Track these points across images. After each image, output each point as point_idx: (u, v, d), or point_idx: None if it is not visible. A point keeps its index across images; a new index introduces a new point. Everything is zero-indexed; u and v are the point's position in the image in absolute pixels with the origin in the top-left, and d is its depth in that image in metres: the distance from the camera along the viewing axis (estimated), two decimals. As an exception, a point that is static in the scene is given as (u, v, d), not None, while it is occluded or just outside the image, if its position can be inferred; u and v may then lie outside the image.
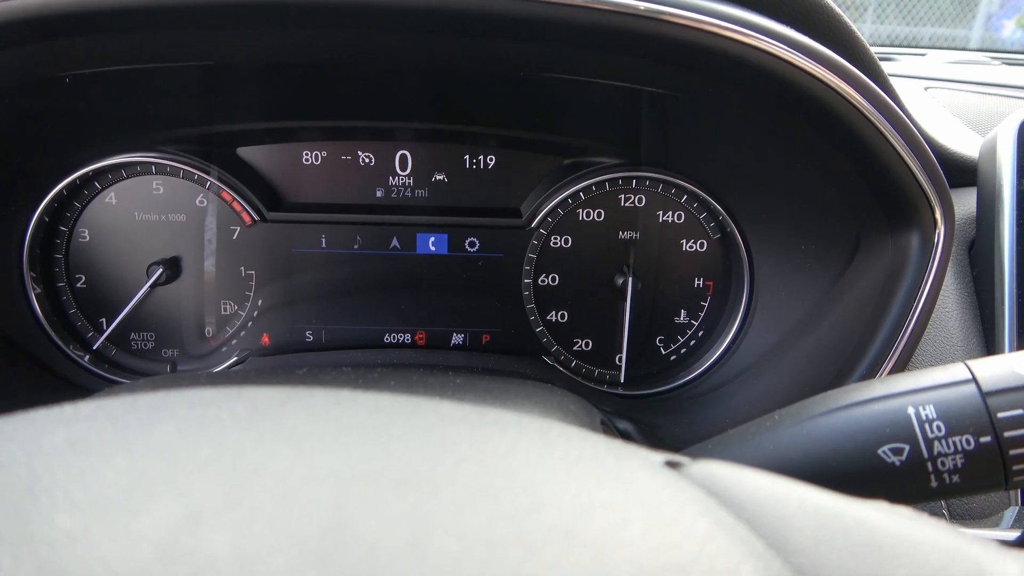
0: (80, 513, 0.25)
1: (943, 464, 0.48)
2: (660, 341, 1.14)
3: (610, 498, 0.29)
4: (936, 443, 0.48)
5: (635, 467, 0.33)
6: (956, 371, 0.50)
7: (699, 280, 1.11)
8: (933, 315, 0.82)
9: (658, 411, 1.08)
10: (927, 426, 0.48)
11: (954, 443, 0.48)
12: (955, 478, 0.48)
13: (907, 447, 0.48)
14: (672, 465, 0.36)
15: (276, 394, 0.36)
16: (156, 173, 1.05)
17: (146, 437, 0.31)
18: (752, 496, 0.33)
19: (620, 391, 1.13)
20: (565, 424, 0.37)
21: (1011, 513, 0.82)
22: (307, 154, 1.07)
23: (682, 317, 1.13)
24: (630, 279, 1.07)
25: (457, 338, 1.13)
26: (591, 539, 0.26)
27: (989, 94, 1.40)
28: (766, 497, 0.33)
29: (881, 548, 0.30)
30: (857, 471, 0.49)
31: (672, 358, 1.14)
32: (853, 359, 0.84)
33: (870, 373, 0.82)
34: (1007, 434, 0.47)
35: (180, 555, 0.23)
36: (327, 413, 0.34)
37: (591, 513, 0.28)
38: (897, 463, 0.48)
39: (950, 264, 0.90)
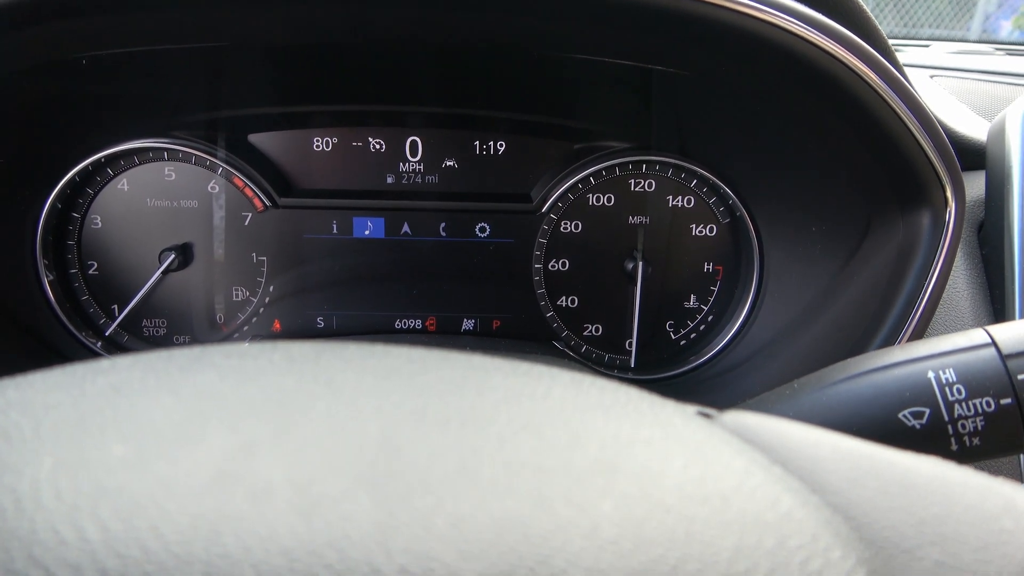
0: (133, 444, 0.26)
1: (963, 427, 0.48)
2: (670, 326, 1.14)
3: (649, 436, 0.30)
4: (956, 406, 0.48)
5: (669, 413, 0.34)
6: (975, 335, 0.50)
7: (709, 264, 1.12)
8: (944, 295, 0.83)
9: (669, 395, 1.08)
10: (947, 389, 0.49)
11: (974, 405, 0.48)
12: (975, 440, 0.48)
13: (927, 410, 0.49)
14: (703, 415, 0.37)
15: (310, 347, 0.36)
16: (168, 159, 1.05)
17: (190, 382, 0.31)
18: (784, 442, 0.34)
19: (631, 376, 1.13)
20: (595, 376, 0.37)
21: (1023, 489, 0.83)
22: (318, 140, 1.08)
23: (692, 301, 1.13)
24: (640, 264, 1.08)
25: (467, 324, 1.14)
26: (636, 470, 0.27)
27: (993, 82, 1.41)
28: (798, 442, 0.33)
29: (914, 486, 0.31)
30: (878, 435, 0.49)
31: (682, 342, 1.15)
32: (864, 339, 0.84)
33: (882, 352, 0.82)
34: (1027, 395, 0.47)
35: (237, 477, 0.24)
36: (363, 362, 0.35)
37: (632, 449, 0.28)
38: (917, 426, 0.49)
39: (960, 245, 0.91)
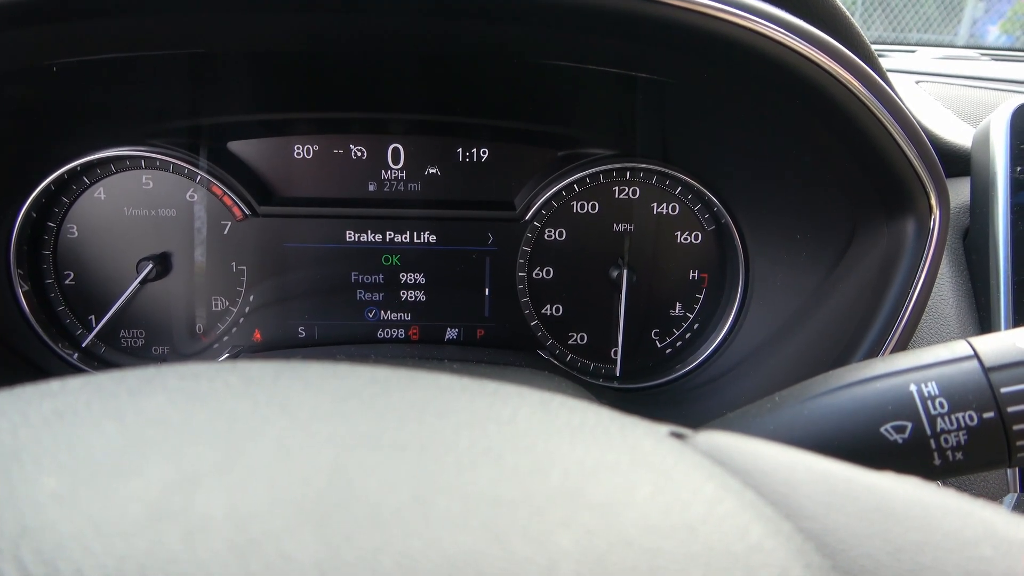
0: (67, 476, 0.24)
1: (946, 441, 0.47)
2: (655, 334, 1.13)
3: (615, 462, 0.29)
4: (939, 420, 0.47)
5: (639, 435, 0.32)
6: (958, 348, 0.49)
7: (694, 272, 1.11)
8: (929, 303, 0.82)
9: (654, 404, 1.07)
10: (929, 403, 0.48)
11: (957, 419, 0.47)
12: (958, 455, 0.48)
13: (909, 424, 0.48)
14: (676, 436, 0.35)
15: (270, 367, 0.35)
16: (146, 167, 1.03)
17: (136, 406, 0.30)
18: (758, 464, 0.32)
19: (616, 385, 1.12)
20: (566, 396, 0.36)
21: (1009, 500, 0.82)
22: (299, 148, 1.07)
23: (677, 310, 1.12)
24: (625, 271, 1.07)
25: (451, 333, 1.12)
26: (599, 501, 0.26)
27: (979, 87, 1.41)
28: (773, 465, 0.32)
29: (893, 512, 0.29)
30: (860, 449, 0.48)
31: (668, 351, 1.14)
32: (850, 347, 0.84)
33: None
34: (1010, 409, 0.46)
35: (172, 514, 0.22)
36: (323, 384, 0.33)
37: (597, 476, 0.27)
38: (900, 441, 0.48)
39: (945, 252, 0.90)
